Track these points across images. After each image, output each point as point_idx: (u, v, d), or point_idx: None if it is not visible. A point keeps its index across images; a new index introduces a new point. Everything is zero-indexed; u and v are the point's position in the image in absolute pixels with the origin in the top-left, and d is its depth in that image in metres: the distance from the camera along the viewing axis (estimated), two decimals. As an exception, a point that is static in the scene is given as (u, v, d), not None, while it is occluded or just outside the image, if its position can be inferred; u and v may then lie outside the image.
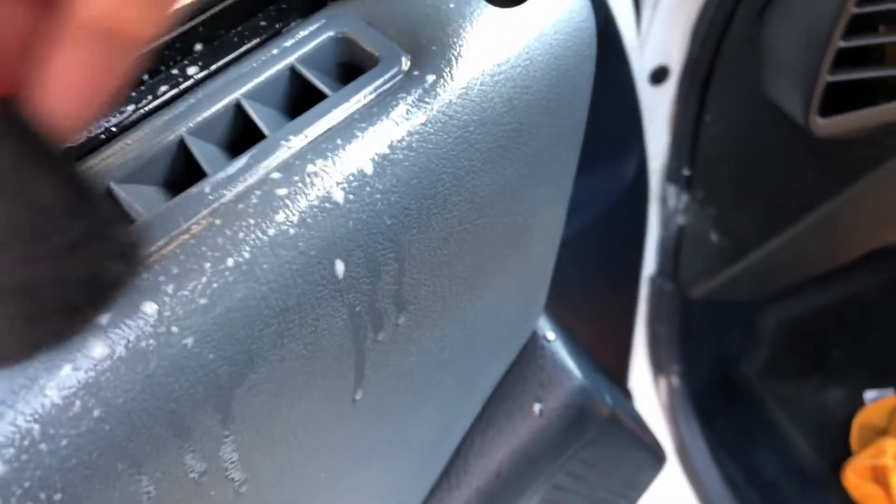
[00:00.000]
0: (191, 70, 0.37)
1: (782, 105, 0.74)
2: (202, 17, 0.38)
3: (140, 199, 0.32)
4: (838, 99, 0.70)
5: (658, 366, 1.14)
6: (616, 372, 1.10)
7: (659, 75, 0.91)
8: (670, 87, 0.91)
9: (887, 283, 1.48)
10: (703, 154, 0.93)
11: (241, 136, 0.36)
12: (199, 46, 0.39)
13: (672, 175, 0.97)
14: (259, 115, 0.35)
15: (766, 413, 1.42)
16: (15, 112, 0.22)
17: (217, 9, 0.39)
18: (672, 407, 1.14)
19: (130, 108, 0.35)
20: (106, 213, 0.25)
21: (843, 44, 0.65)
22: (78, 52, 0.21)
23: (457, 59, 0.37)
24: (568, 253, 0.58)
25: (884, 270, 1.47)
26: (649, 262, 1.08)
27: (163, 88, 0.37)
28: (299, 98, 0.37)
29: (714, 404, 1.27)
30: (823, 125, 0.70)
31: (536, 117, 0.40)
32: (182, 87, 0.37)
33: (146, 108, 0.36)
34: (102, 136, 0.34)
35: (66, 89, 0.22)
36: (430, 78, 0.37)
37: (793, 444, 1.40)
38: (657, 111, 0.93)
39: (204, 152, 0.34)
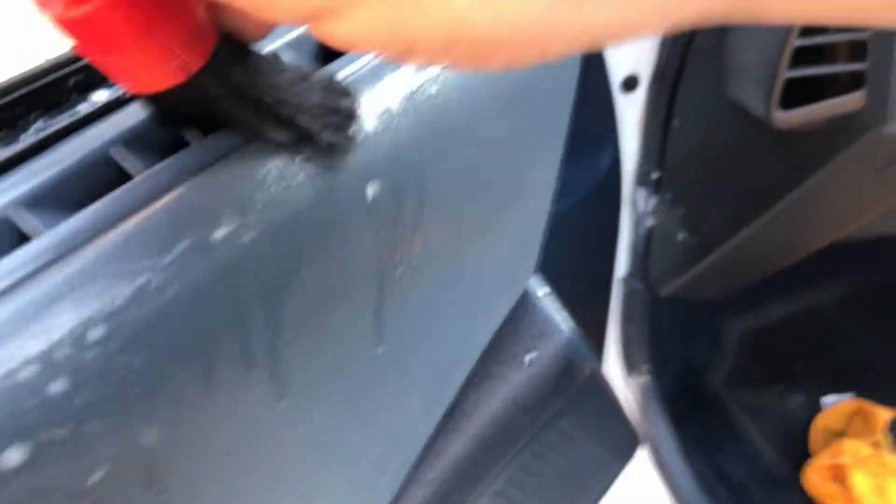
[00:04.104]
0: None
1: (745, 103, 0.81)
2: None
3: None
4: (796, 96, 0.77)
5: (630, 364, 1.19)
6: (591, 367, 1.14)
7: (630, 83, 0.97)
8: (640, 94, 0.98)
9: (844, 295, 1.55)
10: (671, 157, 1.00)
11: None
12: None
13: (642, 178, 1.03)
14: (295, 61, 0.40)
15: (732, 420, 1.47)
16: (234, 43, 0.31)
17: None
18: (644, 404, 1.19)
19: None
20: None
21: (799, 42, 0.73)
22: None
23: (468, 20, 0.43)
24: (545, 244, 0.63)
25: (841, 283, 1.55)
26: (621, 265, 1.13)
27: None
28: (328, 50, 0.42)
29: (683, 408, 1.33)
30: (784, 118, 0.77)
31: (536, 73, 0.46)
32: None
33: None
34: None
35: None
36: (446, 34, 0.42)
37: (758, 449, 1.45)
38: (628, 118, 0.99)
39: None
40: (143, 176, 0.34)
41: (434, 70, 0.41)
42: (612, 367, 1.19)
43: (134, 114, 0.37)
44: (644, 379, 1.20)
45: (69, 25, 0.26)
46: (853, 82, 0.76)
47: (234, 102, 0.33)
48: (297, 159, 0.35)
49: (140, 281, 0.30)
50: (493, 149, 0.46)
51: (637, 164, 1.02)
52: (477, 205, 0.47)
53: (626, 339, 1.18)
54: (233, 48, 0.32)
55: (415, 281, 0.45)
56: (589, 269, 1.11)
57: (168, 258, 0.32)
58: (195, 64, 0.30)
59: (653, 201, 1.04)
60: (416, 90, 0.40)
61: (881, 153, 0.76)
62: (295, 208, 0.35)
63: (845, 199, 0.91)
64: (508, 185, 0.49)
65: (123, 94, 0.38)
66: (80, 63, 0.39)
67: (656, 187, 1.03)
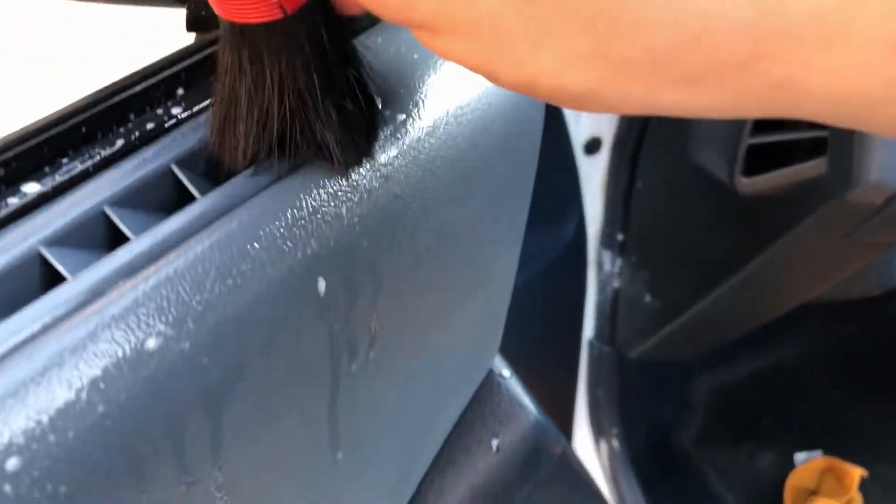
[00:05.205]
0: (175, 110, 0.40)
1: (709, 169, 0.80)
2: (183, 64, 0.41)
3: (134, 223, 0.34)
4: (760, 161, 0.77)
5: (599, 429, 1.16)
6: (560, 434, 1.12)
7: (592, 146, 0.97)
8: (603, 157, 0.97)
9: (811, 350, 1.55)
10: (636, 220, 0.99)
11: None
12: (180, 90, 0.42)
13: (607, 240, 1.02)
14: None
15: (702, 479, 1.45)
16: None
17: (198, 57, 0.42)
18: (613, 469, 1.16)
19: (120, 141, 0.38)
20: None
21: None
22: None
23: (423, 101, 0.41)
24: (511, 313, 0.61)
25: (808, 339, 1.54)
26: (588, 327, 1.12)
27: (150, 126, 0.39)
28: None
29: (652, 470, 1.30)
30: (747, 184, 0.77)
31: (494, 156, 0.44)
32: (167, 124, 0.39)
33: (135, 143, 0.38)
34: (95, 165, 0.36)
35: None
36: (401, 117, 0.40)
37: (730, 510, 1.43)
38: (591, 179, 0.98)
39: (191, 179, 0.36)
40: (74, 280, 0.31)
41: (389, 153, 0.39)
42: (581, 432, 1.16)
43: (66, 209, 0.34)
44: (613, 443, 1.17)
45: None
46: (815, 148, 0.76)
47: (312, 60, 0.34)
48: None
49: (60, 404, 0.28)
50: (452, 233, 0.43)
51: (602, 226, 1.01)
52: (436, 291, 0.45)
53: (595, 403, 1.15)
54: (324, 7, 0.34)
55: (371, 376, 0.42)
56: (557, 331, 1.09)
57: (95, 373, 0.29)
58: (291, 5, 0.32)
59: (619, 263, 1.03)
60: (369, 174, 0.38)
61: (845, 219, 0.76)
62: (239, 309, 0.33)
63: (810, 265, 0.90)
64: (470, 268, 0.47)
65: (57, 186, 0.36)
66: (9, 153, 0.36)
67: (621, 249, 1.02)
